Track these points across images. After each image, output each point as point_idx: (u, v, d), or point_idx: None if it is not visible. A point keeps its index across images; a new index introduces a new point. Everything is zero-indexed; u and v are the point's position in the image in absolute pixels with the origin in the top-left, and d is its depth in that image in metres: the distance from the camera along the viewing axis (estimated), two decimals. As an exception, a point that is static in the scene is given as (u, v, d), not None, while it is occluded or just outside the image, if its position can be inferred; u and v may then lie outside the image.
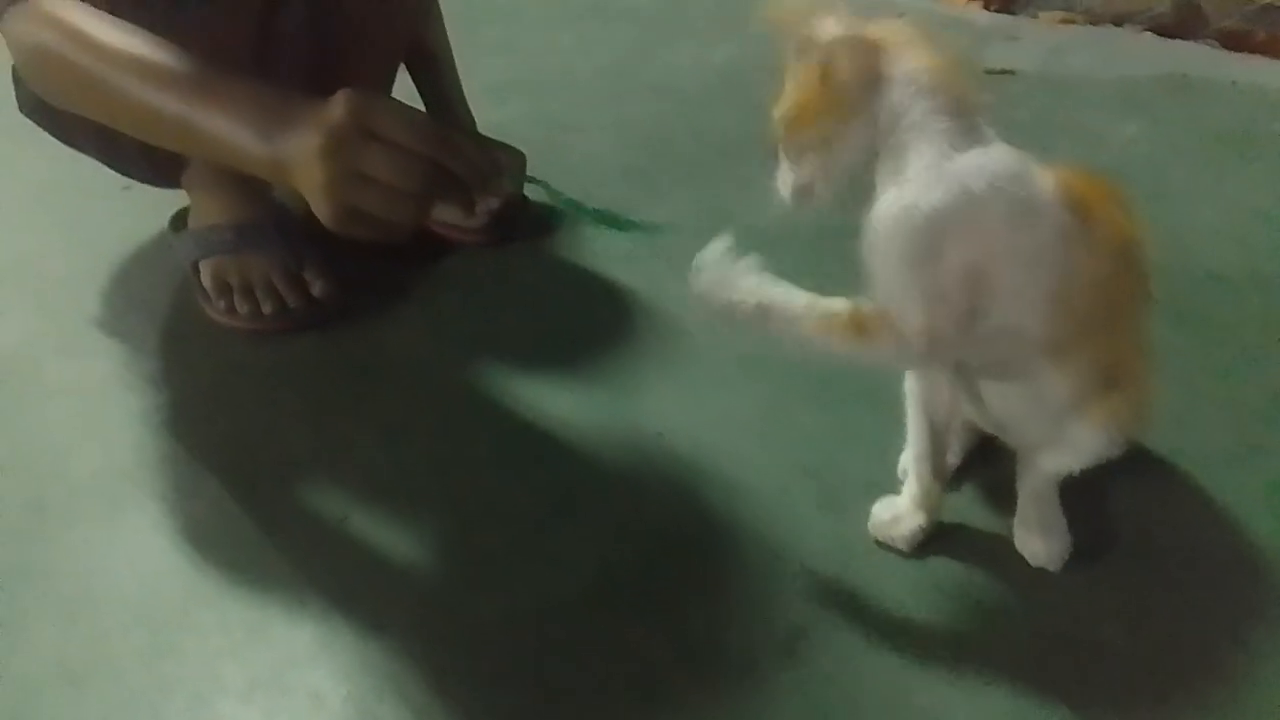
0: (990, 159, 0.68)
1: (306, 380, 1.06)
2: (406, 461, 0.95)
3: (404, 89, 1.32)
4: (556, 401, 1.02)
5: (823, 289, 0.73)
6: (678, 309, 1.16)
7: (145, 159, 1.13)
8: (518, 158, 1.36)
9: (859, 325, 0.70)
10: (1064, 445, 0.75)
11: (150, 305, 1.18)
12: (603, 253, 1.30)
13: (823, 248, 1.20)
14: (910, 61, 0.69)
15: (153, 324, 1.15)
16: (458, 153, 0.70)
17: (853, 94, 0.70)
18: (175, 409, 1.02)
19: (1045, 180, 0.70)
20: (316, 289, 1.14)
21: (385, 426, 0.99)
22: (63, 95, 0.89)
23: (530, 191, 1.33)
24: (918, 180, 0.67)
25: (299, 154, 0.71)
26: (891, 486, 0.86)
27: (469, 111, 1.39)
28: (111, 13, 0.85)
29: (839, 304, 0.71)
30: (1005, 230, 0.67)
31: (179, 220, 1.24)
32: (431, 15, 1.32)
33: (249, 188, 1.16)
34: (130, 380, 1.06)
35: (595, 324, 1.15)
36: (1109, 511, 0.87)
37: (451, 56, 1.36)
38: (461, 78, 1.38)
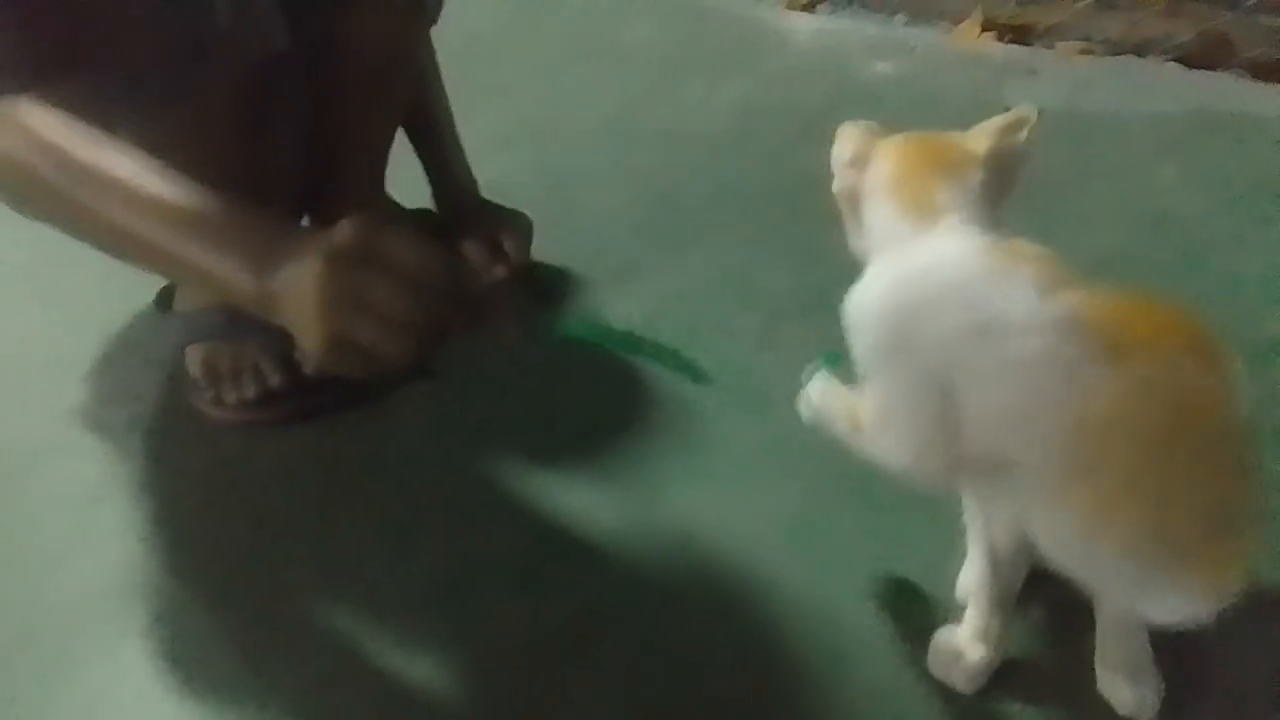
0: (938, 265, 0.68)
1: (303, 480, 0.99)
2: (412, 579, 0.87)
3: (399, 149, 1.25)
4: (574, 501, 0.95)
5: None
6: (695, 388, 1.08)
7: None
8: (524, 224, 1.30)
9: (854, 421, 0.73)
10: (1132, 600, 0.65)
11: (137, 394, 1.11)
12: (616, 321, 1.22)
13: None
14: (875, 172, 0.74)
15: (140, 416, 1.08)
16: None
17: (846, 209, 0.78)
18: (166, 517, 0.95)
19: (1024, 288, 0.63)
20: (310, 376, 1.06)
21: (387, 536, 0.92)
22: (32, 209, 0.82)
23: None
24: (864, 281, 0.72)
25: (293, 282, 0.66)
26: (947, 603, 0.79)
27: (470, 175, 1.32)
28: (96, 116, 0.78)
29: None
30: (957, 340, 0.64)
31: (165, 298, 1.17)
32: (429, 78, 1.25)
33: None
34: (118, 486, 0.99)
35: (610, 406, 1.08)
36: (1203, 649, 0.76)
37: (451, 118, 1.29)
38: (460, 124, 1.31)
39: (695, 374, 0.81)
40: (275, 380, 1.06)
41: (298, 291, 0.66)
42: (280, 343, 1.06)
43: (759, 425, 1.04)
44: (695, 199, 1.47)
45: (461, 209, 1.31)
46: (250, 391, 1.06)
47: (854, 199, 0.76)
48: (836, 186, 0.77)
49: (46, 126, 0.77)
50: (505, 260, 1.27)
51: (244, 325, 1.08)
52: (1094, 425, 0.59)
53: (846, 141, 0.77)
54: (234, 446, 1.03)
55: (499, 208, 1.32)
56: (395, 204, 1.33)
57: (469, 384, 1.12)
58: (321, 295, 0.64)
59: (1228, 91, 1.68)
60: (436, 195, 1.32)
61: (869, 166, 0.74)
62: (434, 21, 1.18)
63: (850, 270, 1.22)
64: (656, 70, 1.90)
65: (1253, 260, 1.25)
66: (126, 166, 0.75)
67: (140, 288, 1.20)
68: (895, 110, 1.72)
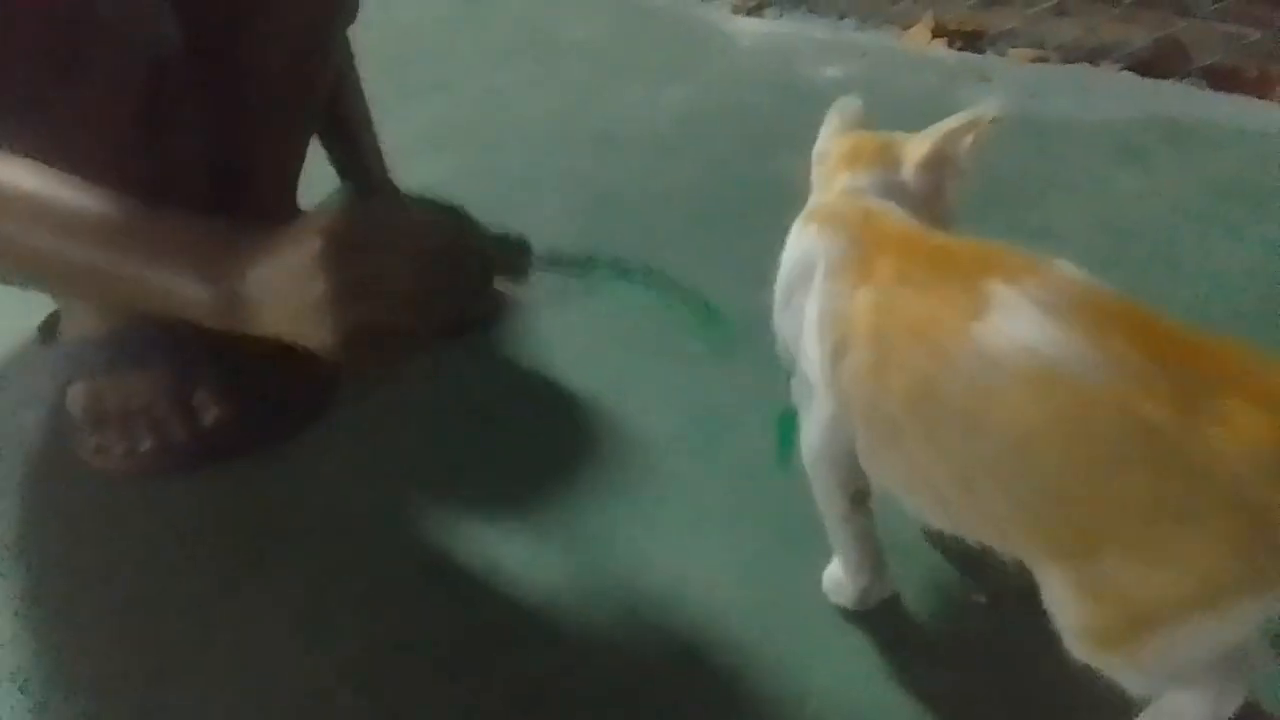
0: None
1: (201, 539, 0.88)
2: (323, 661, 0.77)
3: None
4: (512, 556, 0.85)
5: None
6: (642, 419, 1.00)
7: None
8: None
9: None
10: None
11: (15, 440, 0.98)
12: (556, 343, 1.13)
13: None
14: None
15: (17, 467, 0.95)
16: (469, 248, 0.67)
17: None
18: (41, 589, 0.83)
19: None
20: (209, 417, 0.95)
21: (294, 609, 0.81)
22: None
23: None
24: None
25: (275, 283, 0.61)
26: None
27: (391, 182, 1.22)
28: None
29: None
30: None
31: (49, 328, 1.04)
32: (345, 78, 1.14)
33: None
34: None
35: (550, 444, 0.99)
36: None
37: (370, 121, 1.18)
38: (389, 125, 1.21)
39: (711, 316, 0.80)
40: (172, 427, 0.94)
41: (285, 291, 0.61)
42: (178, 382, 0.95)
43: (713, 459, 0.96)
44: (639, 209, 1.38)
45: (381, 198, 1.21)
46: (143, 442, 0.94)
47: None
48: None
49: None
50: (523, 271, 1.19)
51: (137, 359, 0.96)
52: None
53: (826, 128, 0.84)
54: (125, 500, 0.91)
55: (426, 201, 1.21)
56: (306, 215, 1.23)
57: (389, 422, 1.02)
58: (327, 285, 0.59)
59: (1184, 99, 1.64)
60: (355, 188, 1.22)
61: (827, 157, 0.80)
62: (352, 20, 1.08)
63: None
64: (597, 71, 1.80)
65: (1223, 276, 1.20)
66: (39, 183, 0.66)
67: (21, 310, 1.07)
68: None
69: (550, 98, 1.71)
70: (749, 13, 2.09)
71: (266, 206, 1.12)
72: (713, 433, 0.99)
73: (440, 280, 0.62)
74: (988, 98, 1.65)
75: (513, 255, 1.19)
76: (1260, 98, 1.64)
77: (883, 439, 0.65)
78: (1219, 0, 1.74)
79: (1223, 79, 1.67)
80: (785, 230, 1.26)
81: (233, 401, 0.96)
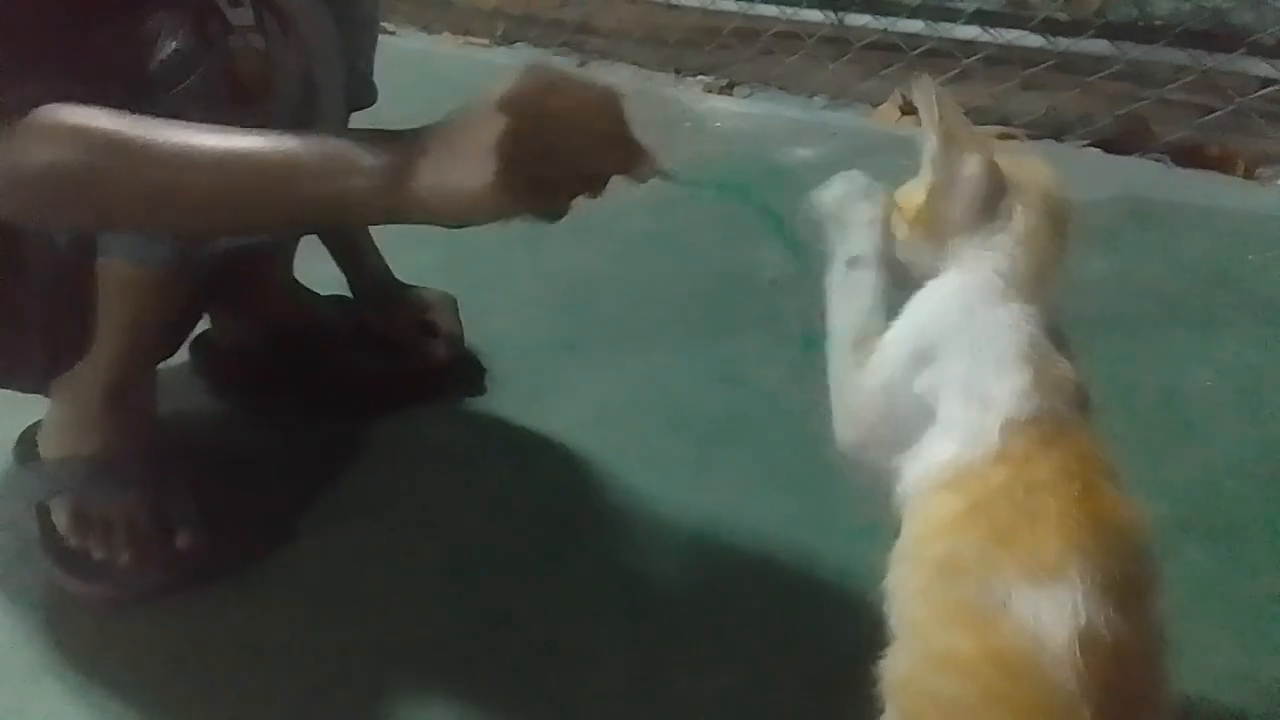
0: None
1: (174, 675, 0.86)
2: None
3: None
4: (509, 701, 0.83)
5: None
6: (644, 507, 1.01)
7: (6, 358, 0.95)
8: (450, 301, 1.25)
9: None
10: None
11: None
12: (559, 412, 1.15)
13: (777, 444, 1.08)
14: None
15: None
16: (629, 130, 0.70)
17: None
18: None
19: None
20: (183, 540, 0.94)
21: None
22: (91, 210, 0.77)
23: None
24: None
25: (451, 132, 0.68)
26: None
27: (383, 260, 1.24)
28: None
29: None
30: None
31: (27, 443, 1.03)
32: None
33: (126, 407, 0.97)
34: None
35: (538, 545, 0.98)
36: None
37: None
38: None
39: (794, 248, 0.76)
40: (151, 544, 0.93)
41: (461, 138, 0.66)
42: (157, 501, 0.95)
43: (701, 568, 0.96)
44: (614, 305, 1.39)
45: (383, 293, 1.24)
46: (121, 555, 0.93)
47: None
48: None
49: (89, 120, 0.72)
50: (441, 336, 1.22)
51: (118, 479, 0.95)
52: None
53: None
54: (96, 629, 0.90)
55: (420, 289, 1.25)
56: (308, 291, 1.25)
57: (371, 534, 1.01)
58: (507, 134, 0.64)
59: (1151, 177, 1.67)
60: (353, 282, 1.24)
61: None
62: (369, 103, 1.13)
63: (777, 388, 1.16)
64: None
65: (1192, 375, 1.20)
66: (188, 133, 0.72)
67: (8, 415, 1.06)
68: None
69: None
70: (720, 92, 2.12)
71: (265, 285, 1.19)
72: (697, 538, 0.99)
73: (602, 155, 0.69)
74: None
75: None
76: (1224, 173, 1.67)
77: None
78: (1180, 75, 1.78)
79: (1186, 155, 1.70)
80: (763, 322, 1.28)
81: (207, 523, 0.96)
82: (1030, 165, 0.70)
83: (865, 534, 0.67)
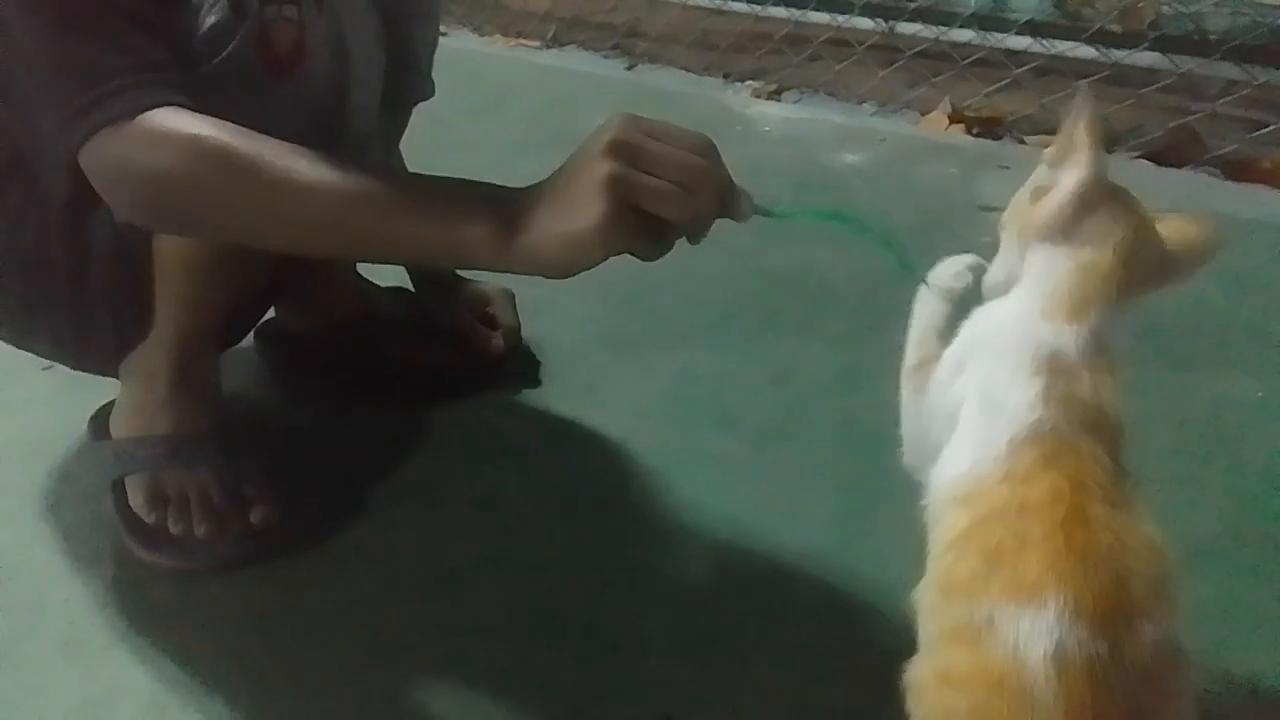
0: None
1: (247, 648, 0.89)
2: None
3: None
4: (560, 688, 0.86)
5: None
6: (692, 502, 1.03)
7: (75, 340, 0.99)
8: (508, 293, 1.29)
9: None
10: None
11: (67, 533, 1.01)
12: (610, 406, 1.17)
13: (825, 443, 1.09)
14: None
15: (66, 560, 0.98)
16: (723, 170, 0.72)
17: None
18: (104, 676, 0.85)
19: None
20: (256, 515, 0.98)
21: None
22: (192, 218, 0.80)
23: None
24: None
25: (561, 176, 0.71)
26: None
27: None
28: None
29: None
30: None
31: (100, 422, 1.07)
32: (396, 159, 1.22)
33: (194, 388, 1.01)
34: (34, 653, 0.89)
35: (594, 552, 1.00)
36: None
37: None
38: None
39: (904, 264, 0.76)
40: (227, 519, 0.97)
41: (575, 177, 0.69)
42: (231, 477, 0.99)
43: (747, 564, 0.98)
44: (662, 304, 1.41)
45: (442, 285, 1.27)
46: (199, 528, 0.96)
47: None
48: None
49: (215, 133, 0.75)
50: (499, 329, 1.25)
51: (186, 457, 0.99)
52: None
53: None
54: (170, 597, 0.94)
55: (479, 282, 1.28)
56: (369, 283, 1.28)
57: (430, 518, 1.04)
58: (609, 166, 0.67)
59: (1201, 190, 1.67)
60: (414, 276, 1.29)
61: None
62: (427, 97, 1.19)
63: (827, 388, 1.17)
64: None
65: (1243, 388, 1.21)
66: (301, 159, 0.74)
67: (79, 395, 1.10)
68: (864, 204, 1.69)
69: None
70: (768, 97, 2.14)
71: (328, 278, 1.22)
72: (751, 540, 1.01)
73: (707, 181, 0.70)
74: (1009, 188, 1.69)
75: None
76: (1275, 188, 1.67)
77: None
78: (1233, 90, 1.78)
79: (1237, 169, 1.70)
80: (811, 323, 1.29)
81: (279, 499, 0.99)
82: (1180, 219, 0.69)
83: (907, 537, 0.68)
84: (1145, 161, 1.77)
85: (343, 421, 1.18)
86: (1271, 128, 1.70)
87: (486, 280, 1.28)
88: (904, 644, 0.63)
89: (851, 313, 1.34)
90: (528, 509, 1.05)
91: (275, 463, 1.03)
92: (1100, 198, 0.66)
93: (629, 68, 2.42)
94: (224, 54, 0.81)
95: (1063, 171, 0.67)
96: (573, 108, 2.06)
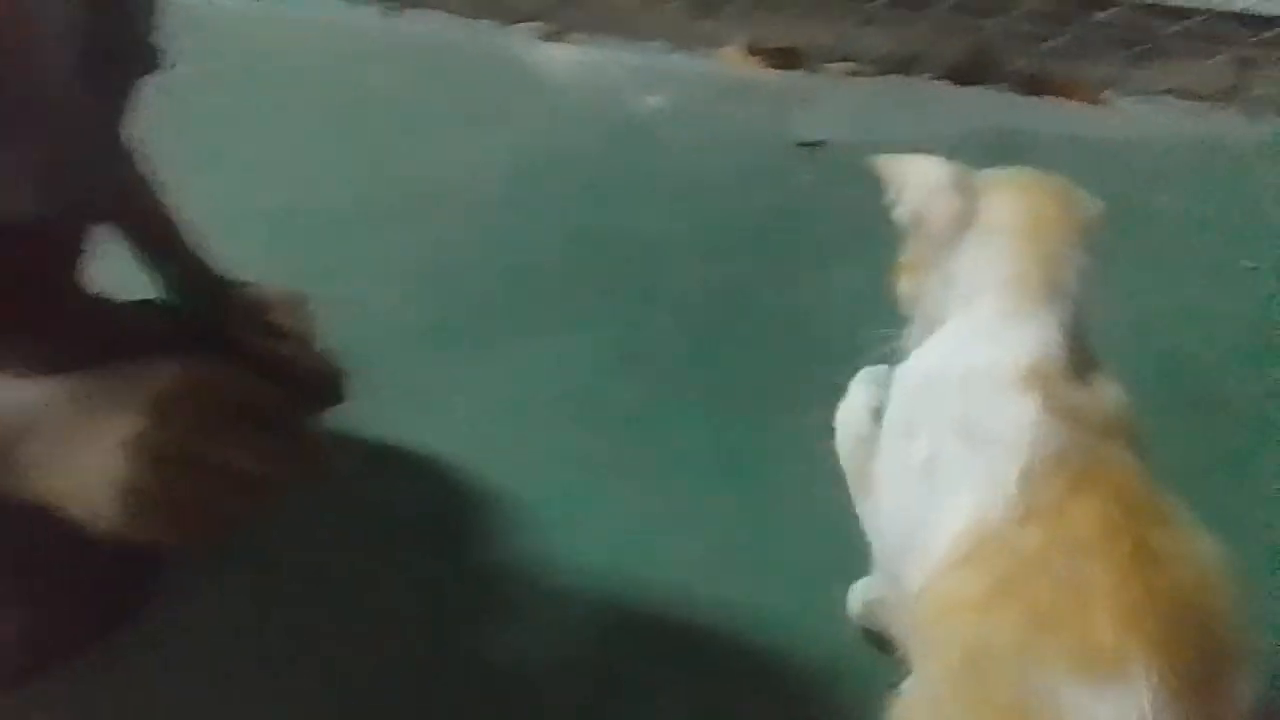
0: None
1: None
2: None
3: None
4: None
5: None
6: (547, 514, 0.87)
7: None
8: (294, 299, 1.04)
9: None
10: None
11: None
12: (444, 407, 1.02)
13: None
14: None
15: None
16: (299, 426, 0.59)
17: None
18: None
19: None
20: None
21: None
22: None
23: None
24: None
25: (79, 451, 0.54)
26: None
27: (202, 253, 1.02)
28: None
29: None
30: None
31: None
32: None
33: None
34: None
35: (443, 578, 0.84)
36: None
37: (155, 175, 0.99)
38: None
39: None
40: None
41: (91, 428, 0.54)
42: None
43: (617, 572, 0.84)
44: (481, 282, 1.24)
45: (212, 292, 1.02)
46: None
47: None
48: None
49: None
50: (289, 341, 1.01)
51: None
52: None
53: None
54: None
55: (256, 285, 1.03)
56: (104, 299, 0.99)
57: (238, 580, 0.84)
58: (146, 459, 0.52)
59: (1000, 108, 1.66)
60: (169, 282, 1.02)
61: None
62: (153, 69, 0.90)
63: (685, 361, 1.03)
64: (403, 122, 1.63)
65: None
66: None
67: None
68: (677, 150, 1.57)
69: (354, 161, 1.52)
70: (551, 38, 1.97)
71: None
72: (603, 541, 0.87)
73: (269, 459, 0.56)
74: (820, 121, 1.61)
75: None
76: (1071, 101, 1.67)
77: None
78: (1024, 3, 1.77)
79: (1033, 84, 1.69)
80: (654, 291, 1.15)
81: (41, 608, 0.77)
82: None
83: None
84: (943, 82, 1.74)
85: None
86: (1065, 38, 1.70)
87: (265, 283, 1.06)
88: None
89: (692, 274, 1.21)
90: (353, 550, 0.86)
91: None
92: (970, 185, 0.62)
93: (384, 15, 2.16)
94: None
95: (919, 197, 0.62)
96: (348, 66, 1.79)
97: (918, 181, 0.64)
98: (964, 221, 0.60)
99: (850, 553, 0.75)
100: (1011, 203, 0.60)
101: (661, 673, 0.76)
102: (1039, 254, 0.57)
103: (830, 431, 0.70)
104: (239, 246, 1.08)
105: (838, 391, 0.91)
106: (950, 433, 0.53)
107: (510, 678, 0.76)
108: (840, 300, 1.15)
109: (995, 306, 0.56)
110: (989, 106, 1.67)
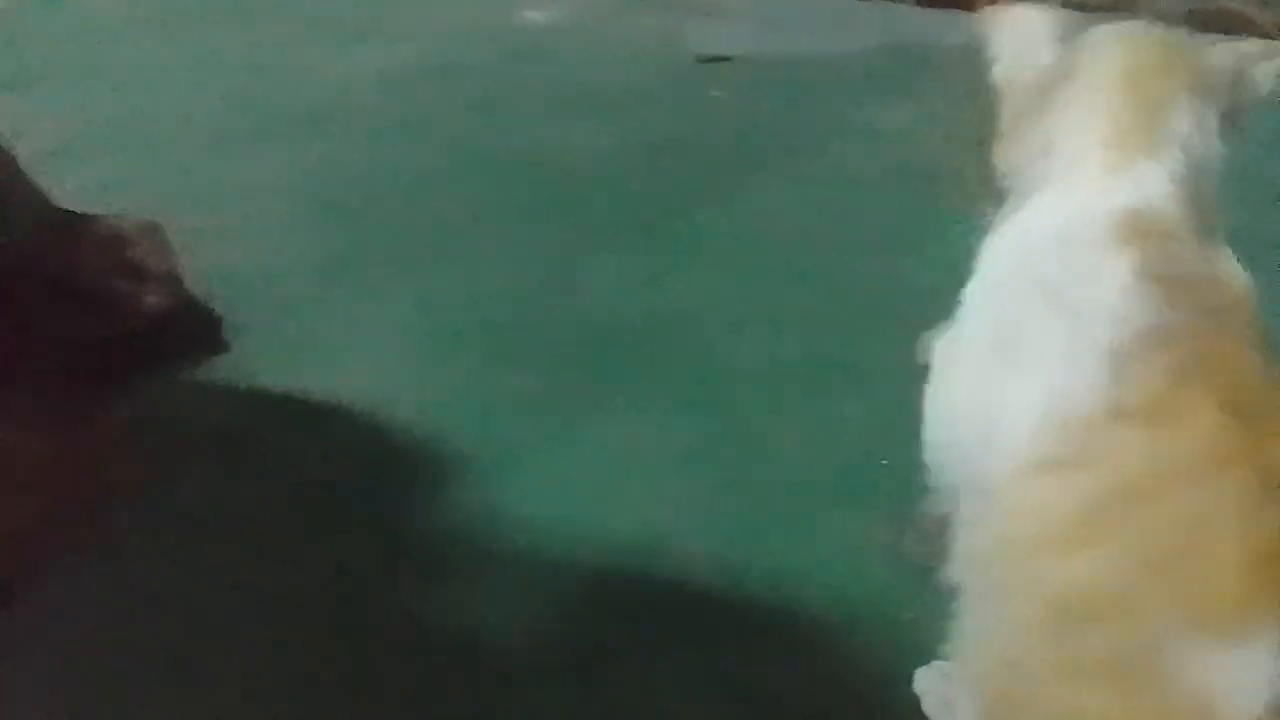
0: None
1: None
2: None
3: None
4: None
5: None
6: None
7: None
8: (153, 231, 0.87)
9: None
10: None
11: None
12: (345, 350, 0.88)
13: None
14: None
15: None
16: None
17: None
18: None
19: None
20: None
21: None
22: None
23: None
24: None
25: None
26: None
27: (37, 184, 0.85)
28: None
29: None
30: None
31: None
32: None
33: None
34: None
35: (365, 548, 0.71)
36: None
37: None
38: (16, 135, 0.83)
39: None
40: None
41: None
42: None
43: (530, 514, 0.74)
44: (368, 207, 1.10)
45: (56, 228, 0.86)
46: None
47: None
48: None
49: None
50: (151, 280, 0.85)
51: None
52: None
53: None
54: None
55: (109, 218, 0.88)
56: None
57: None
58: None
59: (913, 21, 1.60)
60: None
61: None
62: None
63: (621, 288, 0.92)
64: (268, 36, 1.45)
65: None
66: None
67: None
68: (571, 67, 1.44)
69: (230, 75, 1.35)
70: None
71: None
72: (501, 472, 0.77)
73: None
74: (724, 35, 1.52)
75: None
76: (968, 10, 1.63)
77: None
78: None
79: (930, -2, 1.65)
80: (577, 214, 1.05)
81: None
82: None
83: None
84: (842, -2, 1.68)
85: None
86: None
87: (121, 215, 0.89)
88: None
89: (614, 192, 1.10)
90: (252, 526, 0.73)
91: None
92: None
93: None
94: None
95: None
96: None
97: (1018, 31, 0.55)
98: (1063, 74, 0.51)
99: (847, 476, 0.67)
100: (1112, 51, 0.51)
101: (646, 637, 0.66)
102: (1142, 101, 0.49)
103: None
104: (85, 173, 0.91)
105: (787, 312, 0.82)
106: (1036, 296, 0.45)
107: (455, 660, 0.65)
108: (774, 217, 1.07)
109: (1097, 160, 0.48)
110: (898, 20, 1.62)
